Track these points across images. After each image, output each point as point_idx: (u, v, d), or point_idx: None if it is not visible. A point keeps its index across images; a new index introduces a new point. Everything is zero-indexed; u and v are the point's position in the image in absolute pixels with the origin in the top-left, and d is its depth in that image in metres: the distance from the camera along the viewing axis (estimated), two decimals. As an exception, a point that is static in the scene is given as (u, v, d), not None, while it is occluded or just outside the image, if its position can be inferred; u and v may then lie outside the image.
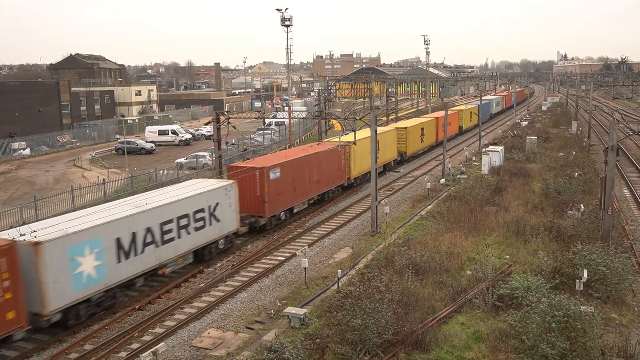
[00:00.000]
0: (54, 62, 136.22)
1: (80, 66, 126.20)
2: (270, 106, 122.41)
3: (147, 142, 66.46)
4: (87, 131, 78.25)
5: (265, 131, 64.43)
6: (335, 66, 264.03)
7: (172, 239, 22.57)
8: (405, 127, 49.85)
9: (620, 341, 16.55)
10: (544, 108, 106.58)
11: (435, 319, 18.19)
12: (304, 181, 32.60)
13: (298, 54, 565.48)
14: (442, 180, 40.29)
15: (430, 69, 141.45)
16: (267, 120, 56.61)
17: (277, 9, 58.21)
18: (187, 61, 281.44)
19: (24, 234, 16.56)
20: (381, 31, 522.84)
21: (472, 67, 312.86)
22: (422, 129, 54.19)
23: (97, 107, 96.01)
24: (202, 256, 25.03)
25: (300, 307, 19.84)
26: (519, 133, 64.85)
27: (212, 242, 25.27)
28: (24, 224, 19.27)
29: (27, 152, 64.89)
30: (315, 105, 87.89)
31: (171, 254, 22.73)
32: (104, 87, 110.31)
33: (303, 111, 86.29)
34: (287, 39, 59.17)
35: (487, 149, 47.82)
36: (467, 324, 18.30)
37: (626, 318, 18.63)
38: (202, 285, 22.87)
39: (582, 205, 28.95)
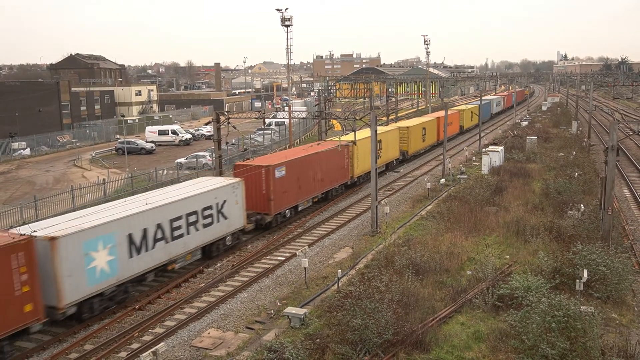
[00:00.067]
0: (54, 62, 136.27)
1: (80, 66, 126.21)
2: (270, 106, 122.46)
3: (147, 142, 66.47)
4: (87, 131, 78.26)
5: (265, 131, 64.43)
6: (335, 66, 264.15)
7: (181, 235, 23.04)
8: (407, 127, 50.20)
9: (620, 341, 16.55)
10: (544, 108, 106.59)
11: (435, 319, 18.19)
12: (309, 179, 33.01)
13: (298, 54, 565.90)
14: (442, 180, 40.29)
15: (430, 69, 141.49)
16: (267, 120, 56.64)
17: (277, 9, 58.23)
18: (187, 61, 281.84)
19: (37, 230, 17.17)
20: (381, 31, 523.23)
21: (472, 67, 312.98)
22: (424, 128, 54.47)
23: (97, 107, 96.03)
24: (210, 252, 25.47)
25: (301, 307, 19.84)
26: (519, 133, 64.85)
27: (220, 238, 25.71)
28: (24, 223, 19.36)
29: (27, 152, 64.90)
30: (315, 105, 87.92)
31: (180, 250, 23.20)
32: (104, 87, 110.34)
33: (303, 111, 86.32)
34: (287, 39, 59.19)
35: (487, 149, 47.83)
36: (467, 324, 18.30)
37: (626, 318, 18.63)
38: (202, 285, 22.87)
39: (582, 205, 28.95)
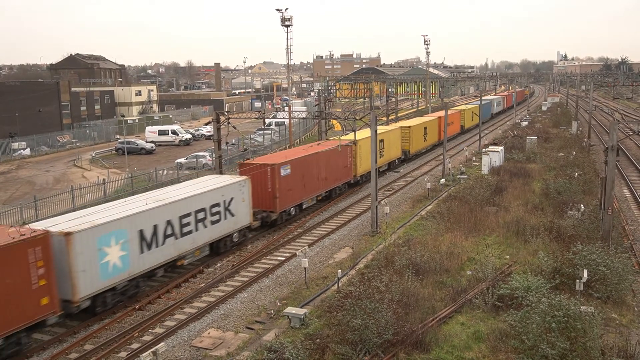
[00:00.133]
0: (54, 62, 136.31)
1: (80, 66, 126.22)
2: (270, 106, 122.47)
3: (147, 142, 66.47)
4: (87, 131, 78.28)
5: (265, 131, 64.44)
6: (335, 66, 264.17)
7: (190, 232, 23.53)
8: (409, 126, 50.71)
9: (620, 341, 16.54)
10: (544, 108, 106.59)
11: (435, 319, 18.19)
12: (313, 178, 33.48)
13: (298, 54, 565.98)
14: (442, 181, 40.29)
15: (430, 69, 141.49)
16: (267, 121, 56.67)
17: (277, 9, 58.31)
18: (187, 61, 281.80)
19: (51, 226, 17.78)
20: (381, 31, 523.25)
21: (472, 67, 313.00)
22: (425, 128, 54.86)
23: (97, 107, 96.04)
24: (218, 249, 25.96)
25: (300, 307, 19.83)
26: (519, 133, 64.85)
27: (227, 235, 26.21)
28: (24, 223, 19.36)
29: (27, 152, 64.91)
30: (315, 106, 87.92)
31: (189, 246, 23.66)
32: (104, 87, 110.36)
33: (303, 111, 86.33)
34: (287, 39, 59.25)
35: (487, 149, 47.83)
36: (467, 324, 18.30)
37: (626, 318, 18.62)
38: (202, 285, 22.87)
39: (582, 205, 28.94)
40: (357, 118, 35.57)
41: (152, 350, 15.15)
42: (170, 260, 22.75)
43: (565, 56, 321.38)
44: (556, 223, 27.01)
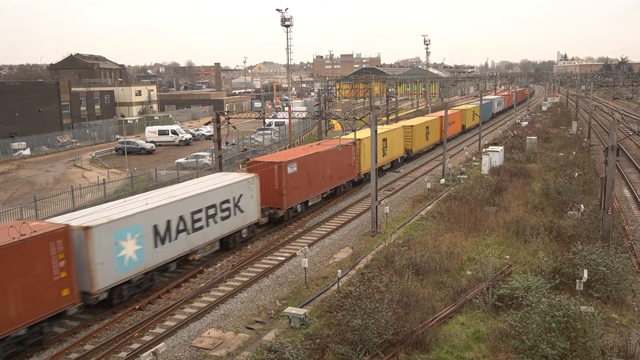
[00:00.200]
0: (54, 62, 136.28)
1: (80, 66, 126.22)
2: (270, 106, 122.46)
3: (147, 142, 66.46)
4: (87, 131, 78.28)
5: (265, 131, 64.44)
6: (335, 66, 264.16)
7: (201, 227, 24.21)
8: (412, 126, 51.25)
9: (620, 341, 16.54)
10: (544, 108, 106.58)
11: (435, 319, 18.19)
12: (318, 176, 34.05)
13: (298, 54, 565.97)
14: (442, 181, 40.29)
15: (430, 69, 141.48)
16: (267, 121, 56.66)
17: (277, 9, 58.28)
18: (187, 61, 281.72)
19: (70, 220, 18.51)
20: (381, 31, 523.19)
21: (472, 67, 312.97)
22: (427, 127, 55.34)
23: (97, 107, 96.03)
24: (227, 244, 26.58)
25: (300, 307, 19.83)
26: (519, 133, 64.84)
27: (237, 231, 26.87)
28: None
29: (27, 152, 64.91)
30: (315, 106, 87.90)
31: (200, 241, 24.34)
32: (104, 87, 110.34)
33: (303, 111, 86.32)
34: (287, 39, 59.22)
35: (487, 149, 47.84)
36: (467, 324, 18.30)
37: (626, 318, 18.62)
38: (202, 285, 22.87)
39: (582, 205, 28.94)
40: (357, 118, 35.65)
41: (152, 350, 15.15)
42: (183, 254, 23.41)
43: (565, 56, 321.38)
44: (556, 223, 27.01)
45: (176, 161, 49.88)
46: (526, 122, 79.41)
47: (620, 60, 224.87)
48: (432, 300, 19.75)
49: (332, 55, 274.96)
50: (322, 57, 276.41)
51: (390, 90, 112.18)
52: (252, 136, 62.17)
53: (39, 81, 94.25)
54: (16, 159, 61.43)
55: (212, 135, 39.37)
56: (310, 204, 34.13)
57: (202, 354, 17.37)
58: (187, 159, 50.06)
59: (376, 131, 30.12)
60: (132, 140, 66.21)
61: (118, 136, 74.93)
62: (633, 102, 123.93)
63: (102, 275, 19.33)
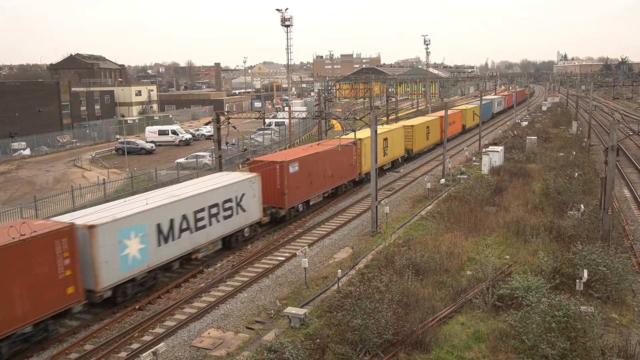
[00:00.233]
0: (54, 62, 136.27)
1: (80, 66, 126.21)
2: (270, 106, 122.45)
3: (147, 142, 66.46)
4: (87, 131, 78.27)
5: (265, 131, 64.44)
6: (335, 66, 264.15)
7: (204, 226, 24.42)
8: (412, 125, 51.49)
9: (620, 341, 16.54)
10: (544, 108, 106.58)
11: (435, 319, 18.19)
12: (320, 175, 34.25)
13: (298, 54, 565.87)
14: (442, 181, 40.29)
15: (430, 69, 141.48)
16: (267, 121, 56.66)
17: (277, 9, 58.29)
18: (187, 61, 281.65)
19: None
20: (381, 31, 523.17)
21: (472, 67, 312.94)
22: (428, 127, 55.57)
23: (97, 107, 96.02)
24: (230, 243, 26.79)
25: (301, 307, 19.83)
26: (519, 133, 64.84)
27: (239, 230, 27.06)
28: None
29: (27, 152, 64.90)
30: (315, 106, 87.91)
31: (203, 240, 24.55)
32: (104, 87, 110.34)
33: (303, 111, 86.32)
34: (287, 39, 59.23)
35: (487, 149, 47.84)
36: (467, 324, 18.29)
37: (626, 318, 18.62)
38: (202, 285, 22.87)
39: (582, 205, 28.94)
40: (357, 118, 35.66)
41: (152, 350, 15.15)
42: (186, 253, 23.60)
43: (565, 56, 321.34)
44: (556, 223, 27.00)
45: (176, 161, 49.87)
46: (526, 122, 79.40)
47: (620, 60, 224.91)
48: (432, 300, 19.74)
49: (332, 55, 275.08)
50: (322, 57, 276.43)
51: (390, 90, 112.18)
52: (252, 136, 62.17)
53: (39, 81, 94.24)
54: (16, 159, 61.43)
55: (212, 135, 39.37)
56: (311, 203, 34.36)
57: (202, 354, 17.37)
58: (187, 159, 50.05)
59: (376, 131, 30.15)
60: (132, 140, 66.21)
61: (118, 136, 74.92)
62: (633, 102, 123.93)
63: (106, 274, 19.53)
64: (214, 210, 24.92)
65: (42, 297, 17.33)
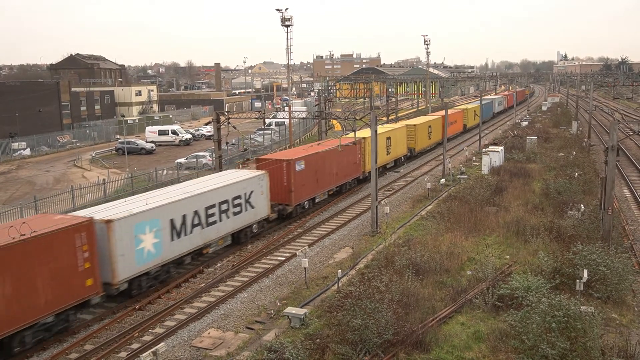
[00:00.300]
0: (54, 62, 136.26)
1: (80, 66, 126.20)
2: (270, 106, 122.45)
3: (147, 142, 66.46)
4: (87, 131, 78.28)
5: (265, 131, 64.44)
6: (335, 66, 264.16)
7: (215, 222, 25.06)
8: (415, 125, 52.20)
9: (620, 341, 16.53)
10: (544, 108, 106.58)
11: (436, 319, 18.18)
12: (325, 173, 34.78)
13: (298, 54, 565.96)
14: (442, 181, 40.29)
15: (431, 69, 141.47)
16: (267, 121, 56.66)
17: (277, 9, 58.34)
18: (187, 61, 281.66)
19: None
20: (381, 31, 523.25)
21: (472, 67, 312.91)
22: (430, 126, 56.10)
23: (97, 107, 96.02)
24: (239, 239, 27.56)
25: (301, 307, 19.83)
26: (519, 133, 64.84)
27: (248, 226, 27.74)
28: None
29: (27, 152, 64.90)
30: (316, 106, 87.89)
31: (214, 235, 25.20)
32: (104, 88, 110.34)
33: (303, 111, 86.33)
34: (287, 39, 59.27)
35: (487, 149, 47.84)
36: (467, 324, 18.29)
37: (626, 318, 18.62)
38: (202, 285, 22.87)
39: (582, 205, 28.93)
40: (357, 118, 35.67)
41: (152, 350, 15.15)
42: (197, 248, 24.20)
43: (565, 56, 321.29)
44: (556, 223, 27.00)
45: (176, 161, 49.87)
46: (526, 122, 79.41)
47: (620, 60, 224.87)
48: (432, 300, 19.74)
49: (332, 55, 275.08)
50: (322, 57, 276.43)
51: (390, 90, 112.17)
52: (252, 136, 62.18)
53: (39, 81, 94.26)
54: (16, 159, 61.43)
55: (212, 135, 39.37)
56: (317, 200, 35.11)
57: (202, 354, 17.37)
58: (187, 159, 50.06)
59: (376, 131, 30.15)
60: (132, 140, 66.21)
61: (118, 136, 74.92)
62: (633, 102, 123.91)
63: (122, 267, 20.07)
64: (224, 207, 25.53)
65: (63, 288, 17.97)
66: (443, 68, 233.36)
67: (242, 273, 24.28)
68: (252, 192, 27.47)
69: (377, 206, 29.58)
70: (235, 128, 34.31)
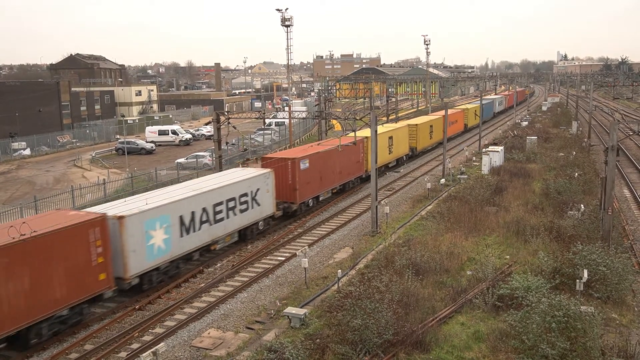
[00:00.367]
0: (54, 62, 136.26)
1: (80, 66, 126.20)
2: (270, 106, 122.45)
3: (147, 142, 66.45)
4: (87, 131, 78.27)
5: (265, 131, 64.44)
6: (335, 66, 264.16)
7: (222, 219, 25.57)
8: (416, 124, 52.67)
9: (620, 341, 16.54)
10: (544, 108, 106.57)
11: (435, 319, 18.19)
12: (329, 172, 35.24)
13: (298, 54, 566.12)
14: (442, 181, 40.29)
15: (431, 69, 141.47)
16: (267, 121, 56.65)
17: (277, 9, 58.32)
18: (187, 61, 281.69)
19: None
20: (381, 31, 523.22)
21: (472, 67, 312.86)
22: (431, 126, 56.42)
23: (97, 107, 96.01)
24: (245, 236, 28.01)
25: (301, 307, 19.83)
26: (519, 133, 64.84)
27: (254, 223, 28.27)
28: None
29: (28, 152, 64.90)
30: (316, 106, 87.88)
31: (221, 232, 25.71)
32: (104, 87, 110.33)
33: (303, 111, 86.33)
34: (287, 39, 59.25)
35: (487, 149, 47.84)
36: (467, 324, 18.29)
37: (626, 318, 18.62)
38: (202, 285, 22.87)
39: (582, 205, 28.93)
40: (357, 118, 35.68)
41: (152, 350, 15.15)
42: (205, 244, 24.72)
43: (565, 56, 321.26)
44: (556, 223, 27.00)
45: (176, 161, 49.86)
46: (526, 122, 79.41)
47: (620, 60, 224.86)
48: (432, 300, 19.74)
49: (332, 55, 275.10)
50: (322, 57, 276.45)
51: (390, 90, 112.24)
52: (252, 136, 62.17)
53: (39, 81, 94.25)
54: (16, 159, 61.43)
55: (212, 135, 39.38)
56: (321, 199, 35.57)
57: (202, 354, 17.37)
58: (187, 159, 50.05)
59: (376, 131, 30.18)
60: (132, 140, 66.20)
61: (118, 136, 74.91)
62: (633, 102, 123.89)
63: (134, 262, 20.55)
64: (231, 204, 26.02)
65: (77, 282, 18.45)
66: (443, 68, 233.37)
67: (242, 273, 24.28)
68: (258, 190, 27.94)
69: (377, 206, 29.58)
70: (235, 128, 34.33)
